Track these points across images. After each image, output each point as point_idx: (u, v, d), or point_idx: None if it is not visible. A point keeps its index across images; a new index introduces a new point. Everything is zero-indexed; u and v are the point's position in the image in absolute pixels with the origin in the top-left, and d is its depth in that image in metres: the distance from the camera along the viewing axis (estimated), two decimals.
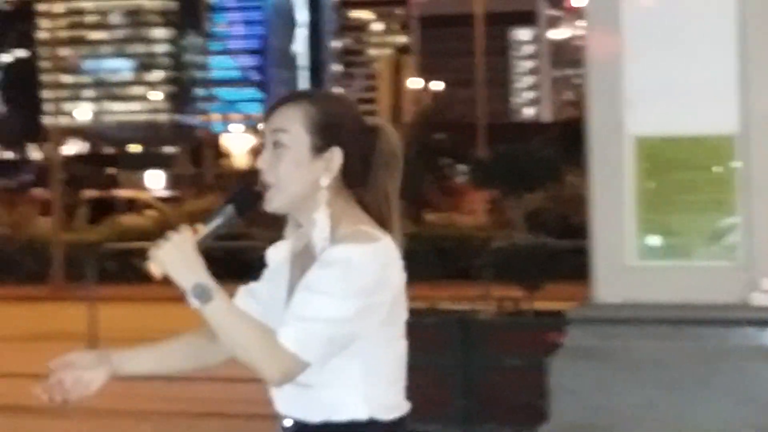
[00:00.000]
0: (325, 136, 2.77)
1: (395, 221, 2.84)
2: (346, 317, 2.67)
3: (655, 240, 7.07)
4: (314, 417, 2.81)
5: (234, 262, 21.45)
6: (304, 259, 2.84)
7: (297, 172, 2.77)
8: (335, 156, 2.78)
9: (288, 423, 2.87)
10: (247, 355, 2.71)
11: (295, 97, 2.84)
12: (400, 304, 2.79)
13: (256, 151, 56.49)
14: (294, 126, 2.77)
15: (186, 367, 3.09)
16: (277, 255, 2.95)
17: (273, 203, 2.81)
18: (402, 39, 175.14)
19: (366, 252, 2.69)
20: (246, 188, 2.88)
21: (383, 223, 2.81)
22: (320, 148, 2.77)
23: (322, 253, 2.73)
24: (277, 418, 2.90)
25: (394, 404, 2.84)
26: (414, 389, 8.32)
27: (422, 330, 8.78)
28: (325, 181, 2.78)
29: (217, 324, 2.72)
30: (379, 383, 2.81)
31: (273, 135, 2.79)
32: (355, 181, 2.82)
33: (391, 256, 2.75)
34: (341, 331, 2.68)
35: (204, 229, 2.87)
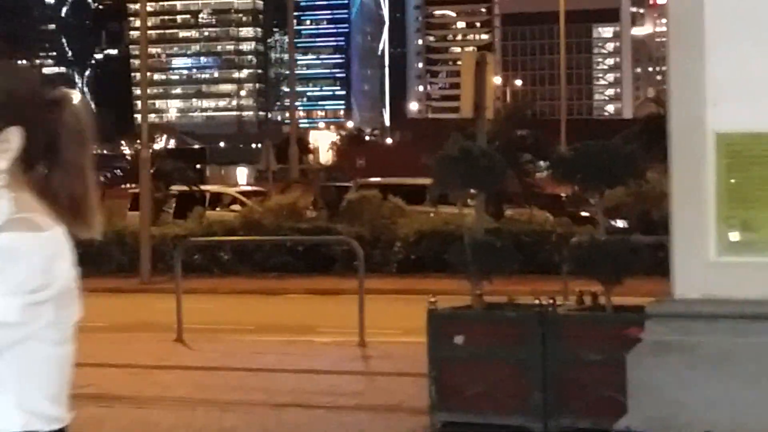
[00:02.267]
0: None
1: (92, 199, 2.55)
2: (10, 319, 2.32)
3: (735, 236, 7.06)
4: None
5: (318, 256, 21.82)
6: None
7: None
8: (12, 136, 2.42)
9: None
10: None
11: None
12: (69, 304, 2.45)
13: (338, 147, 56.72)
14: None
15: None
16: None
17: None
18: (485, 36, 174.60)
19: (31, 241, 2.35)
20: None
21: (79, 203, 2.51)
22: None
23: None
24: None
25: (54, 415, 2.48)
26: (493, 383, 8.39)
27: (502, 324, 8.85)
28: (3, 163, 2.43)
29: None
30: (38, 391, 2.45)
31: None
32: (40, 161, 2.48)
33: (61, 248, 2.42)
34: (3, 334, 2.33)
35: None
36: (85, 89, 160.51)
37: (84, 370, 12.20)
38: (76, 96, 2.57)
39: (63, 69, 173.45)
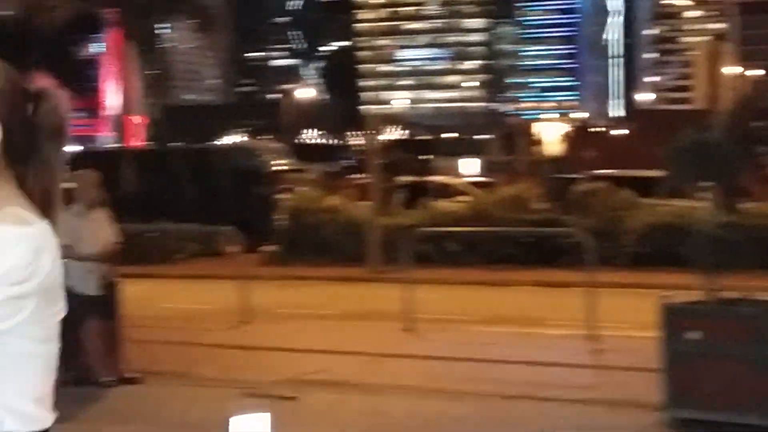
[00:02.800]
0: None
1: (58, 202, 2.49)
2: None
3: None
4: None
5: (546, 248, 21.68)
6: None
7: None
8: None
9: None
10: None
11: None
12: (54, 301, 2.43)
13: (566, 139, 56.14)
14: None
15: None
16: None
17: None
18: (718, 26, 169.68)
19: (15, 233, 2.31)
20: None
21: (49, 200, 2.46)
22: None
23: None
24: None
25: (34, 415, 2.39)
26: (729, 380, 8.17)
27: (738, 320, 8.62)
28: None
29: None
30: (17, 389, 2.36)
31: None
32: (18, 157, 2.42)
33: (46, 242, 2.38)
34: None
35: None
36: (314, 81, 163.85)
37: (315, 356, 12.52)
38: (55, 91, 2.52)
39: (295, 61, 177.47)
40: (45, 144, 2.45)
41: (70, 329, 8.79)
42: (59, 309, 2.47)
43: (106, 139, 62.06)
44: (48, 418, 2.42)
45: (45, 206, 2.45)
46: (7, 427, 2.36)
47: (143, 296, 17.69)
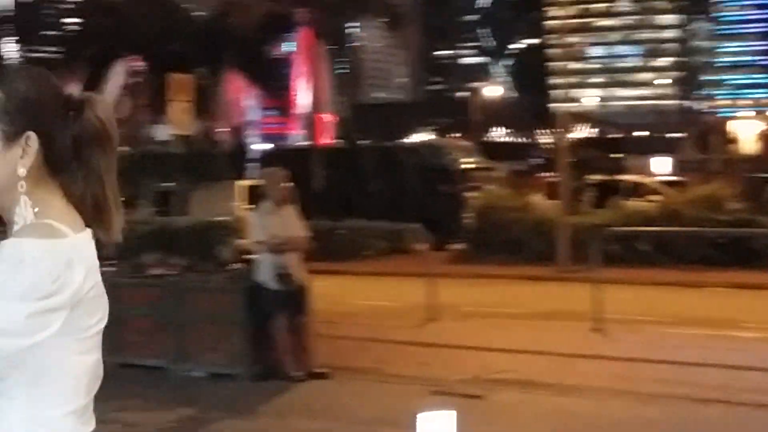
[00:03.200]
0: (16, 121, 2.37)
1: (113, 206, 2.47)
2: (11, 328, 2.23)
3: None
4: None
5: (741, 249, 21.05)
6: None
7: None
8: (31, 141, 2.37)
9: None
10: None
11: None
12: (89, 312, 2.38)
13: (764, 137, 54.50)
14: None
15: None
16: None
17: None
18: None
19: (41, 247, 2.28)
20: None
21: (100, 207, 2.45)
22: (13, 134, 2.37)
23: None
24: None
25: (66, 429, 2.36)
26: None
27: None
28: (23, 171, 2.36)
29: None
30: (49, 404, 2.34)
31: None
32: (61, 166, 2.42)
33: (79, 255, 2.35)
34: (8, 342, 2.24)
35: None
36: (505, 79, 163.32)
37: (502, 355, 12.43)
38: (101, 98, 2.50)
39: (484, 59, 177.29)
40: (91, 151, 2.43)
41: (260, 324, 8.97)
42: (98, 320, 2.44)
43: (297, 137, 63.12)
44: (85, 430, 2.40)
45: (97, 212, 2.45)
46: None
47: (332, 292, 17.88)
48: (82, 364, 2.39)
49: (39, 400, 2.33)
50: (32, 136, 2.37)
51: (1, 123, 2.36)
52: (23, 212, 2.36)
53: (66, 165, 2.43)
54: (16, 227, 2.35)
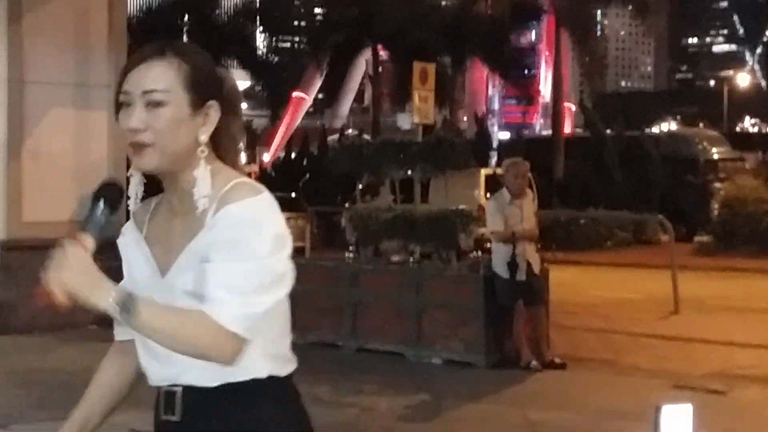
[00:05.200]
0: (201, 91, 2.57)
1: (239, 162, 2.71)
2: (278, 276, 2.50)
3: None
4: (210, 381, 2.55)
5: None
6: (184, 223, 2.59)
7: (178, 130, 2.54)
8: (213, 110, 2.59)
9: (174, 390, 2.60)
10: (193, 349, 2.47)
11: (159, 53, 2.58)
12: None
13: None
14: (171, 83, 2.54)
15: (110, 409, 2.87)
16: (126, 240, 2.74)
17: (152, 163, 2.55)
18: None
19: (263, 202, 2.51)
20: (108, 182, 2.55)
21: (235, 167, 2.66)
22: (197, 103, 2.56)
23: (211, 213, 2.51)
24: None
25: (288, 357, 2.65)
26: None
27: None
28: (205, 137, 2.57)
29: (153, 329, 2.45)
30: (276, 336, 2.61)
31: (145, 96, 2.53)
32: (224, 144, 2.67)
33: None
34: (277, 293, 2.51)
35: (88, 237, 2.49)
36: (756, 67, 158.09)
37: (747, 351, 12.05)
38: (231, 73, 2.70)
39: (733, 47, 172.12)
40: (230, 117, 2.67)
41: (498, 313, 8.95)
42: None
43: (540, 126, 62.80)
44: (294, 357, 2.67)
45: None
46: (275, 372, 2.60)
47: (572, 283, 17.74)
48: (287, 301, 2.62)
49: (272, 336, 2.59)
50: (214, 105, 2.60)
51: (189, 93, 2.55)
52: (202, 176, 2.55)
53: (225, 142, 2.67)
54: (194, 190, 2.54)
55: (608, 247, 25.91)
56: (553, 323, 11.72)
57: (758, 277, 19.66)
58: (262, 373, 2.57)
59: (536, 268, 11.29)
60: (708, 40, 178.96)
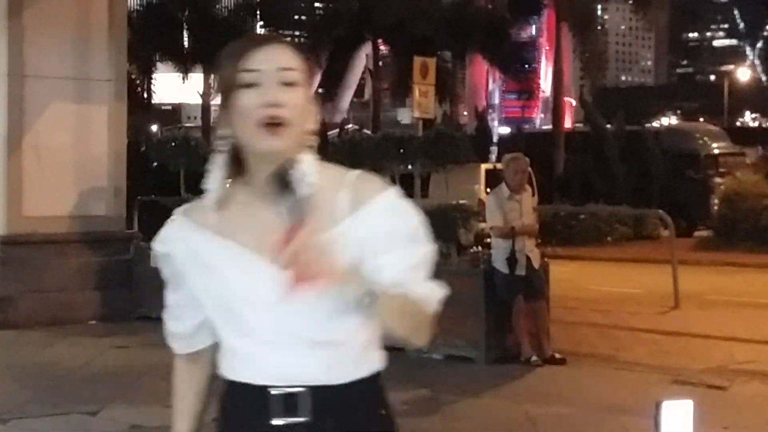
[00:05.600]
0: (310, 83, 2.63)
1: None
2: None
3: None
4: (338, 378, 2.49)
5: None
6: (293, 204, 2.38)
7: (307, 110, 2.55)
8: (315, 105, 2.62)
9: (297, 391, 2.47)
10: (413, 332, 2.55)
11: (278, 39, 2.59)
12: None
13: None
14: (299, 65, 2.54)
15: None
16: (190, 243, 2.56)
17: (286, 143, 2.48)
18: None
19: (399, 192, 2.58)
20: (284, 167, 2.43)
21: None
22: (310, 94, 2.60)
23: (347, 201, 2.48)
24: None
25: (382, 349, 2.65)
26: None
27: None
28: (314, 127, 2.58)
29: (395, 312, 2.48)
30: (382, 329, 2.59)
31: (279, 73, 2.49)
32: None
33: None
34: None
35: (313, 223, 2.37)
36: (756, 62, 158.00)
37: (747, 346, 12.05)
38: None
39: (734, 41, 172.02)
40: None
41: (498, 308, 8.94)
42: None
43: (540, 120, 62.77)
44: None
45: None
46: (383, 364, 2.61)
47: (572, 278, 17.73)
48: None
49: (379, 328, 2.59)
50: (316, 100, 2.63)
51: (305, 86, 2.55)
52: (311, 163, 2.49)
53: None
54: (305, 177, 2.42)
55: (608, 242, 25.90)
56: (553, 318, 11.71)
57: (758, 272, 19.65)
58: (379, 365, 2.60)
59: (536, 263, 11.28)
60: (708, 34, 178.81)
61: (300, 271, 2.30)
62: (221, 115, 2.55)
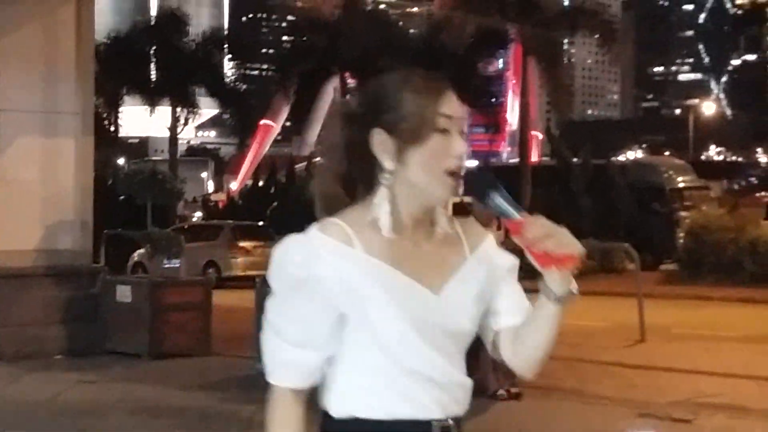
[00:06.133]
0: None
1: None
2: None
3: None
4: (464, 409, 2.58)
5: None
6: (435, 247, 2.53)
7: None
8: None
9: (449, 423, 2.50)
10: (548, 353, 2.69)
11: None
12: None
13: None
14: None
15: None
16: (362, 266, 2.42)
17: (457, 192, 2.58)
18: None
19: None
20: (482, 169, 2.59)
21: None
22: None
23: (466, 243, 2.61)
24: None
25: None
26: None
27: None
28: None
29: (557, 321, 2.64)
30: None
31: (463, 122, 2.51)
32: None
33: None
34: None
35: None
36: (721, 96, 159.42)
37: (713, 379, 12.10)
38: None
39: (699, 76, 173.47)
40: None
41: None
42: None
43: (507, 154, 62.99)
44: None
45: None
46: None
47: None
48: None
49: None
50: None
51: None
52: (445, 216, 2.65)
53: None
54: (440, 218, 2.61)
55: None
56: None
57: (724, 306, 19.77)
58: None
59: None
60: (674, 68, 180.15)
61: (552, 252, 2.53)
62: (385, 147, 2.47)
